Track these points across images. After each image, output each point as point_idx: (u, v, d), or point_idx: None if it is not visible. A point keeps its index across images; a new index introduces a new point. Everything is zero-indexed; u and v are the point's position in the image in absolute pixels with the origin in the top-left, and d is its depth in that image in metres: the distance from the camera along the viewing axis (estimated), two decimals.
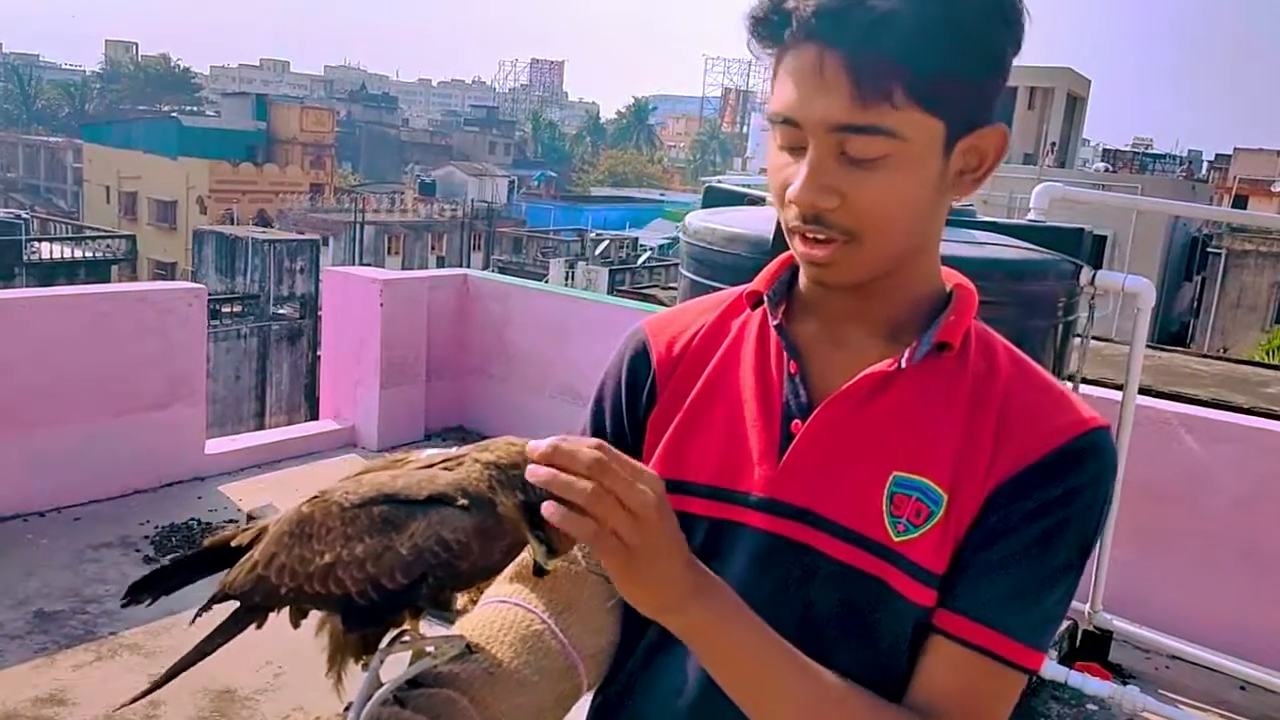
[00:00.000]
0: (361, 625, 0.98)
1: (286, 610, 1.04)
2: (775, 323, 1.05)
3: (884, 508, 0.96)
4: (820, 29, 0.88)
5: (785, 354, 1.04)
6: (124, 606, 1.11)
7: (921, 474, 0.96)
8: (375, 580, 0.94)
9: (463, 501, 0.93)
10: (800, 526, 0.99)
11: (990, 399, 0.97)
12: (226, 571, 1.07)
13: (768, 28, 0.92)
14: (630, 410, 1.12)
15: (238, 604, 1.05)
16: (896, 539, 0.95)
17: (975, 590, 0.95)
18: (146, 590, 1.08)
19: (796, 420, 1.01)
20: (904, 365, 0.98)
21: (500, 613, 1.08)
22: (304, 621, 1.04)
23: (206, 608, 1.08)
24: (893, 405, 0.99)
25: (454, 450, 1.01)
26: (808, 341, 1.05)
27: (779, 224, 0.99)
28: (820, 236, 0.93)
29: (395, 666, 1.01)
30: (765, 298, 1.07)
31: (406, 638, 1.02)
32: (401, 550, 0.93)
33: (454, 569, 0.94)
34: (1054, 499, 0.94)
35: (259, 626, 1.06)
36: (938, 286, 1.04)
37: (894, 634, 0.96)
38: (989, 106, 0.94)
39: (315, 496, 1.01)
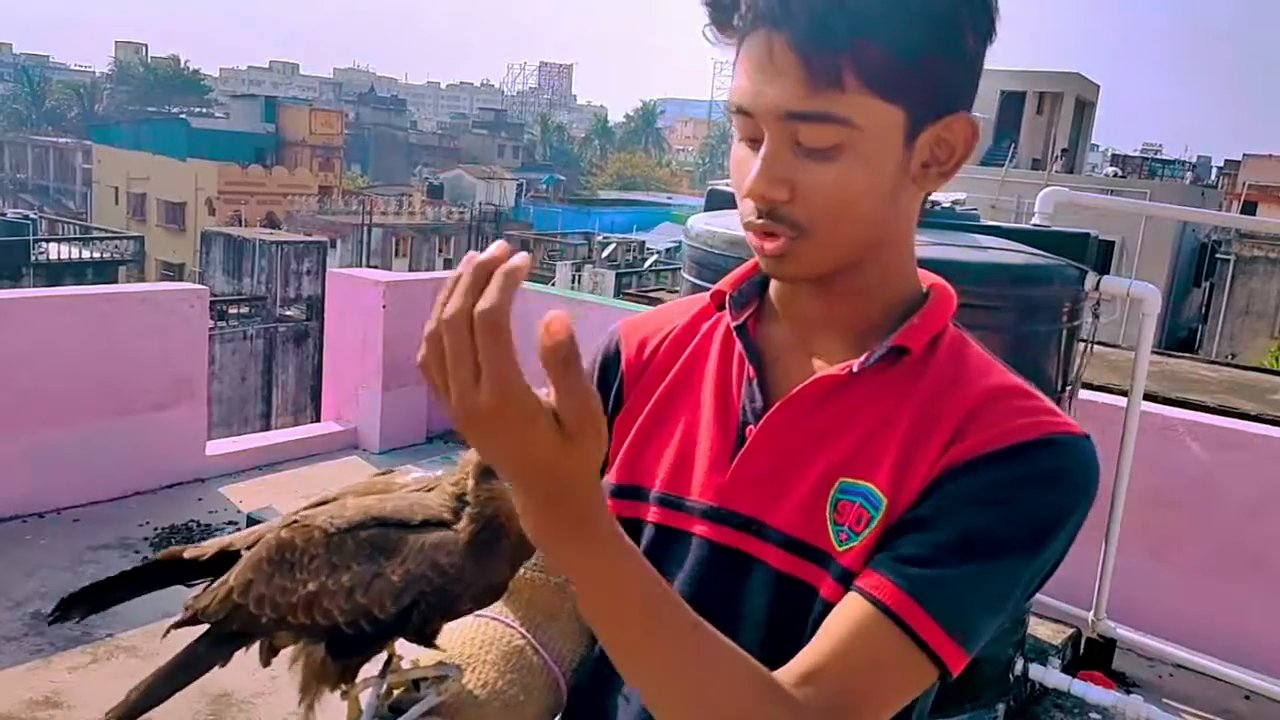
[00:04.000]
0: (347, 655, 0.94)
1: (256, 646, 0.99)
2: (735, 324, 1.02)
3: (828, 515, 0.92)
4: (768, 14, 0.85)
5: (745, 358, 1.01)
6: (51, 623, 1.06)
7: (865, 479, 0.92)
8: (365, 610, 0.90)
9: (459, 525, 0.89)
10: (744, 536, 0.96)
11: (951, 404, 0.92)
12: (181, 586, 1.02)
13: (721, 14, 0.90)
14: None
15: (206, 635, 1.00)
16: (840, 548, 0.91)
17: (890, 549, 0.87)
18: (79, 604, 1.03)
19: (751, 426, 0.98)
20: (856, 370, 0.94)
21: (480, 629, 1.05)
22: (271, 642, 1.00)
23: (176, 628, 1.04)
24: (845, 410, 0.95)
25: (438, 474, 0.98)
26: (773, 347, 1.02)
27: None
28: (772, 231, 0.91)
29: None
30: (728, 298, 1.04)
31: (404, 663, 0.99)
32: (393, 577, 0.89)
33: (448, 595, 0.90)
34: (1004, 481, 0.87)
35: (223, 665, 1.01)
36: (912, 289, 1.00)
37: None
38: (956, 94, 0.90)
39: (294, 521, 0.96)
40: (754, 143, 0.91)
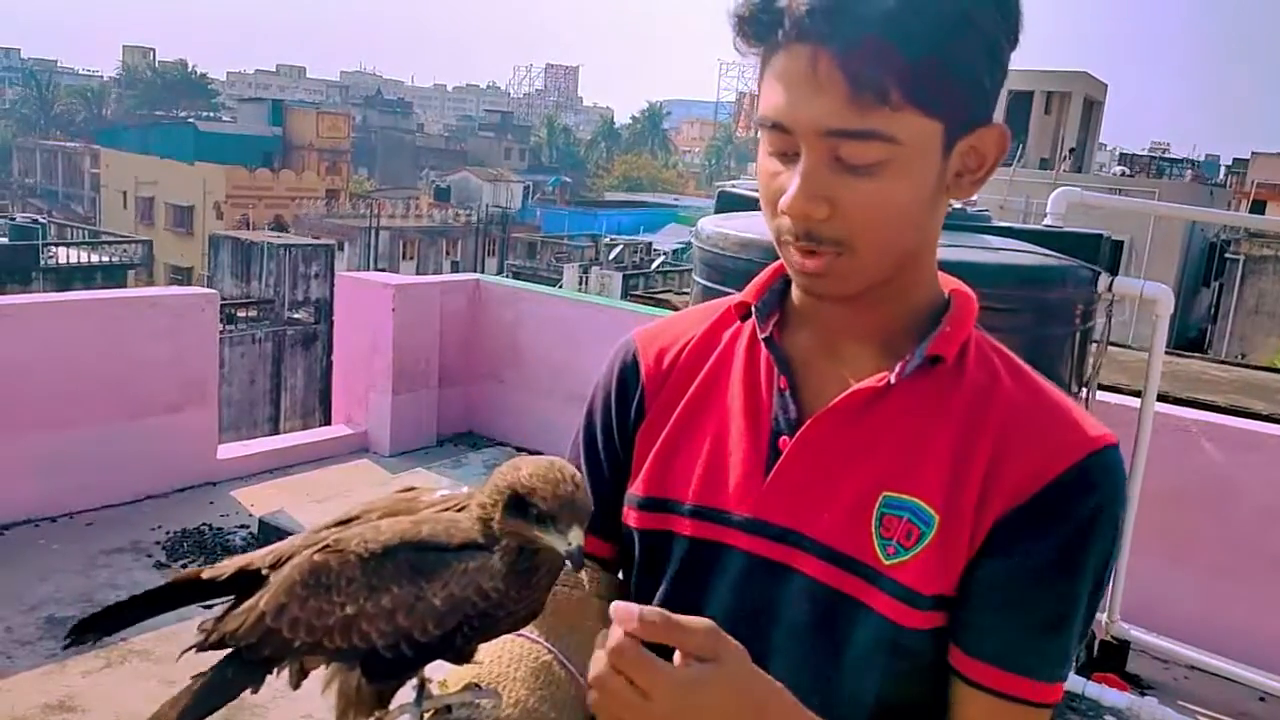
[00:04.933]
0: (383, 679, 0.94)
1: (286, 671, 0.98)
2: (764, 335, 1.01)
3: (873, 529, 0.92)
4: (814, 29, 0.83)
5: (775, 368, 1.00)
6: (65, 648, 1.04)
7: (911, 494, 0.92)
8: (406, 632, 0.89)
9: (496, 549, 0.88)
10: (784, 548, 0.96)
11: (989, 415, 0.93)
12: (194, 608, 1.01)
13: (756, 27, 0.87)
14: (620, 423, 1.09)
15: (232, 656, 0.99)
16: (887, 562, 0.91)
17: (998, 633, 0.92)
18: (94, 628, 1.02)
19: (784, 437, 0.97)
20: (894, 380, 0.94)
21: (507, 646, 1.05)
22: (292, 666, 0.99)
23: (199, 651, 1.02)
24: (882, 421, 0.95)
25: (463, 491, 0.97)
26: (800, 354, 1.01)
27: None
28: (812, 249, 0.89)
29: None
30: (754, 309, 1.03)
31: (435, 689, 0.98)
32: (435, 600, 0.88)
33: (491, 619, 0.89)
34: (1069, 528, 0.90)
35: (254, 691, 1.00)
36: (935, 293, 1.00)
37: (864, 648, 0.93)
38: (988, 104, 0.90)
39: (325, 545, 0.94)
40: (785, 156, 0.89)
